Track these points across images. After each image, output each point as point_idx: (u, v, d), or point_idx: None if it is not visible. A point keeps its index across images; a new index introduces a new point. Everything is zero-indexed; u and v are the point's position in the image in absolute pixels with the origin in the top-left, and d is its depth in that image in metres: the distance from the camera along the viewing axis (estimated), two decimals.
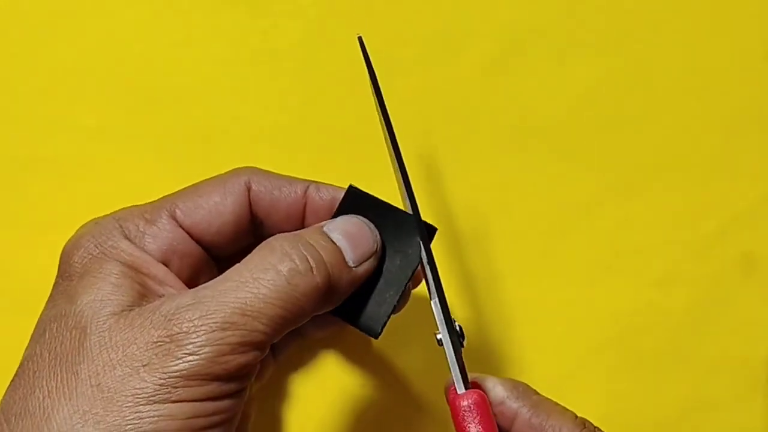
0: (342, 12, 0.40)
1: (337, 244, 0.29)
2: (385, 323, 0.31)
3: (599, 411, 0.39)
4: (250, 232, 0.32)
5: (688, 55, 0.40)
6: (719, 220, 0.40)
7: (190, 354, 0.26)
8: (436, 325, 0.31)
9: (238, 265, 0.28)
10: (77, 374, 0.26)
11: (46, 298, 0.38)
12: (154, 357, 0.26)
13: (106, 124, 0.39)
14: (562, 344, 0.39)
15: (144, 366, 0.26)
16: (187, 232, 0.31)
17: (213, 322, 0.26)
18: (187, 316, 0.26)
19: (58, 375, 0.26)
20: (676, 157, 0.40)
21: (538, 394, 0.32)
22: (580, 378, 0.39)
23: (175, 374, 0.25)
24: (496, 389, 0.31)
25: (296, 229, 0.31)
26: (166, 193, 0.39)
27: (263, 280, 0.27)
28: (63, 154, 0.39)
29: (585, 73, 0.40)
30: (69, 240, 0.30)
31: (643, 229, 0.40)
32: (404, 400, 0.39)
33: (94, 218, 0.31)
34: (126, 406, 0.25)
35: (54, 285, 0.30)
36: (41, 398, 0.26)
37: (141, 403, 0.25)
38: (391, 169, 0.39)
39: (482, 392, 0.31)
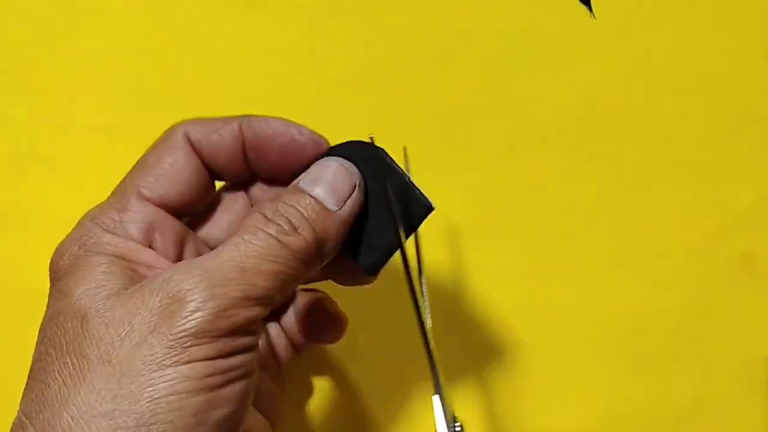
0: (342, 12, 0.40)
1: (315, 195, 0.30)
2: (383, 260, 0.31)
3: (599, 411, 0.39)
4: (207, 181, 0.32)
5: (688, 55, 0.40)
6: (719, 220, 0.40)
7: (194, 311, 0.26)
8: (435, 425, 0.31)
9: (229, 237, 0.28)
10: (87, 357, 0.26)
11: (46, 298, 0.38)
12: (159, 321, 0.26)
13: (106, 124, 0.39)
14: (562, 344, 0.39)
15: (150, 332, 0.26)
16: (158, 206, 0.31)
17: (213, 278, 0.26)
18: (185, 277, 0.26)
19: (68, 363, 0.26)
20: (676, 157, 0.40)
21: None
22: (580, 378, 0.39)
23: (182, 334, 0.26)
24: None
25: (242, 168, 0.32)
26: None
27: (254, 240, 0.28)
28: (63, 154, 0.39)
29: (585, 73, 0.40)
30: (54, 250, 0.30)
31: (643, 229, 0.40)
32: None
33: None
34: (140, 375, 0.25)
35: (48, 295, 0.30)
36: (56, 389, 0.26)
37: (153, 369, 0.25)
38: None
39: None
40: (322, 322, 0.35)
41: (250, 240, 0.28)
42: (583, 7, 0.40)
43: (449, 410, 0.31)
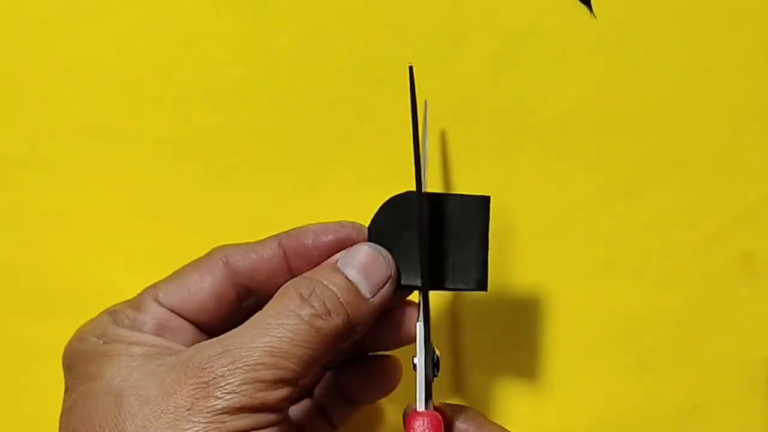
0: (342, 12, 0.40)
1: (351, 279, 0.31)
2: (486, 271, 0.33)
3: (599, 411, 0.39)
4: (235, 306, 0.33)
5: (689, 55, 0.40)
6: (719, 220, 0.40)
7: (229, 393, 0.27)
8: (416, 349, 0.32)
9: (259, 313, 0.30)
10: (124, 430, 0.27)
11: (46, 298, 0.38)
12: (196, 401, 0.27)
13: (106, 124, 0.39)
14: (562, 344, 0.39)
15: (188, 410, 0.27)
16: (172, 311, 0.32)
17: (246, 365, 0.28)
18: (220, 363, 0.28)
19: None
20: (676, 157, 0.40)
21: (484, 416, 0.34)
22: (580, 378, 0.39)
23: (220, 410, 0.27)
24: (448, 414, 0.33)
25: (284, 278, 0.33)
26: (165, 193, 0.39)
27: (287, 325, 0.29)
28: (63, 154, 0.39)
29: (585, 73, 0.40)
30: (67, 344, 0.31)
31: (643, 229, 0.40)
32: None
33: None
34: None
35: (65, 382, 0.31)
36: None
37: None
38: (391, 169, 0.39)
39: (440, 417, 0.32)
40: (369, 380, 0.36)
41: (283, 323, 0.29)
42: (583, 7, 0.40)
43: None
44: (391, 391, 0.35)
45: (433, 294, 0.33)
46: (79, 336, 0.31)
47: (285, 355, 0.28)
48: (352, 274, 0.31)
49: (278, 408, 0.28)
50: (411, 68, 0.33)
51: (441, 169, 0.40)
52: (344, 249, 0.33)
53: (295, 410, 0.36)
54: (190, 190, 0.39)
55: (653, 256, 0.40)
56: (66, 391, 0.30)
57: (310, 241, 0.33)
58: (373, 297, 0.31)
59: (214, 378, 0.27)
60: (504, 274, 0.39)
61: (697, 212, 0.40)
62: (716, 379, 0.40)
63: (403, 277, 0.33)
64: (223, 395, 0.27)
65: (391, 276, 0.32)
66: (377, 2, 0.40)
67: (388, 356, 0.35)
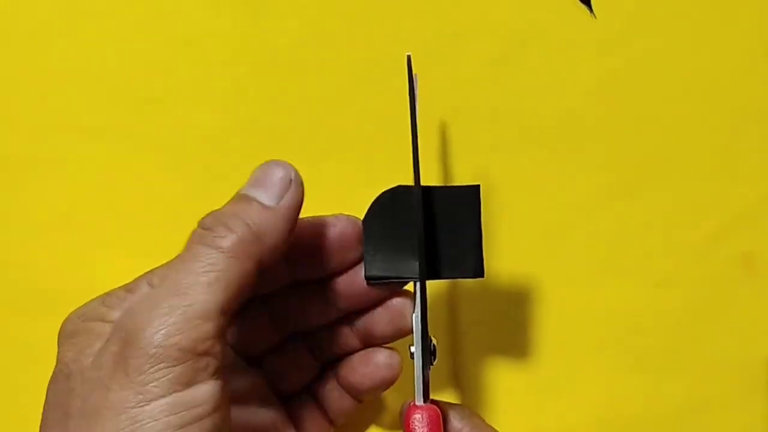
0: (342, 12, 0.40)
1: (249, 195, 0.30)
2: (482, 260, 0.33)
3: (599, 411, 0.39)
4: None
5: (688, 55, 0.40)
6: (719, 220, 0.40)
7: (143, 347, 0.26)
8: (413, 338, 0.32)
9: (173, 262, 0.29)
10: (70, 414, 0.27)
11: (46, 298, 0.38)
12: (117, 367, 0.26)
13: (106, 124, 0.39)
14: (562, 344, 0.39)
15: (111, 379, 0.26)
16: None
17: (157, 310, 0.27)
18: (136, 318, 0.27)
19: (57, 421, 0.27)
20: (676, 157, 0.40)
21: (480, 417, 0.34)
22: (580, 378, 0.39)
23: (136, 373, 0.26)
24: (445, 408, 0.33)
25: (273, 280, 0.33)
26: (165, 193, 0.39)
27: (189, 255, 0.28)
28: (63, 154, 0.39)
29: (585, 73, 0.40)
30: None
31: (643, 229, 0.40)
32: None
33: None
34: (107, 423, 0.26)
35: None
36: None
37: (119, 413, 0.26)
38: (391, 169, 0.39)
39: (438, 410, 0.32)
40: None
41: (185, 257, 0.28)
42: (583, 7, 0.40)
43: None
44: (391, 384, 0.35)
45: (431, 294, 0.33)
46: (67, 318, 0.31)
47: (193, 285, 0.27)
48: (247, 190, 0.31)
49: (200, 352, 0.27)
50: (409, 57, 0.33)
51: (440, 169, 0.40)
52: (340, 242, 0.33)
53: (293, 405, 0.36)
54: (190, 190, 0.39)
55: (653, 256, 0.40)
56: None
57: (306, 230, 0.33)
58: (279, 202, 0.30)
59: (128, 334, 0.27)
60: (504, 274, 0.39)
61: (697, 212, 0.40)
62: (716, 379, 0.39)
63: (400, 269, 0.33)
64: (138, 352, 0.26)
65: (291, 178, 0.31)
66: (377, 2, 0.40)
67: (388, 348, 0.35)
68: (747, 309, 0.40)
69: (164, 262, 0.33)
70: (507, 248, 0.39)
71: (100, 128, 0.39)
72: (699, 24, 0.40)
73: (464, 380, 0.39)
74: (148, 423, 0.26)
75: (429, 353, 0.32)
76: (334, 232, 0.33)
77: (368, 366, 0.35)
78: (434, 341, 0.33)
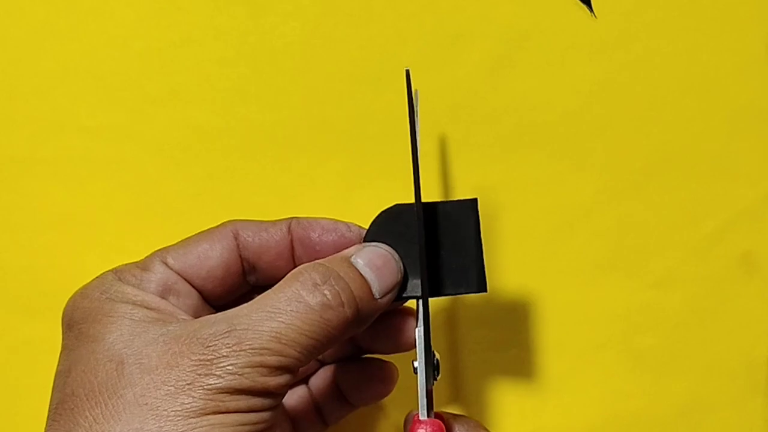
0: (342, 12, 0.40)
1: (365, 276, 0.31)
2: (485, 274, 0.33)
3: (599, 411, 0.39)
4: (241, 278, 0.33)
5: (688, 55, 0.40)
6: (719, 220, 0.40)
7: (231, 373, 0.27)
8: (416, 353, 0.32)
9: (269, 292, 0.29)
10: (123, 397, 0.27)
11: (46, 298, 0.38)
12: (196, 377, 0.27)
13: (106, 124, 0.39)
14: (562, 344, 0.39)
15: (188, 384, 0.27)
16: (179, 275, 0.32)
17: (251, 348, 0.27)
18: (225, 342, 0.27)
19: (101, 403, 0.27)
20: (676, 157, 0.40)
21: (486, 429, 0.34)
22: (580, 378, 0.39)
23: (220, 389, 0.27)
24: (450, 422, 0.33)
25: (289, 266, 0.33)
26: (165, 193, 0.39)
27: (296, 312, 0.28)
28: (63, 154, 0.39)
29: (585, 73, 0.40)
30: (69, 300, 0.31)
31: (643, 229, 0.40)
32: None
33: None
34: (177, 419, 0.26)
35: (63, 339, 0.30)
36: (88, 426, 0.27)
37: (191, 415, 0.26)
38: (391, 168, 0.39)
39: (442, 424, 0.32)
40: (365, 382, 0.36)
41: (292, 310, 0.28)
42: (583, 7, 0.40)
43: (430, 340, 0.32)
44: (385, 396, 0.35)
45: (432, 301, 0.33)
46: (82, 292, 0.31)
47: (290, 343, 0.28)
48: (366, 271, 0.31)
49: (276, 393, 0.28)
50: (408, 72, 0.33)
51: (440, 169, 0.40)
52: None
53: (289, 400, 0.36)
54: (190, 190, 0.39)
55: (653, 256, 0.40)
56: (64, 349, 0.30)
57: (316, 236, 0.33)
58: (381, 298, 0.31)
59: (217, 357, 0.27)
60: (503, 274, 0.39)
61: (697, 212, 0.40)
62: (716, 379, 0.40)
63: (402, 287, 0.32)
64: (225, 375, 0.27)
65: (399, 281, 0.32)
66: (377, 3, 0.40)
67: (386, 362, 0.35)
68: (747, 309, 0.40)
69: None
70: (507, 248, 0.39)
71: (100, 128, 0.39)
72: (699, 24, 0.40)
73: (464, 380, 0.39)
74: (217, 428, 0.27)
75: (432, 368, 0.32)
76: (342, 241, 0.33)
77: (365, 375, 0.35)
78: (437, 356, 0.33)
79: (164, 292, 0.31)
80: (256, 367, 0.27)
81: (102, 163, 0.39)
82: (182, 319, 0.30)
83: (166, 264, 0.32)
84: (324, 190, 0.39)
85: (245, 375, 0.27)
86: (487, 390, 0.39)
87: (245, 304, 0.29)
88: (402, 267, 0.32)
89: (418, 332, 0.32)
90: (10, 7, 0.39)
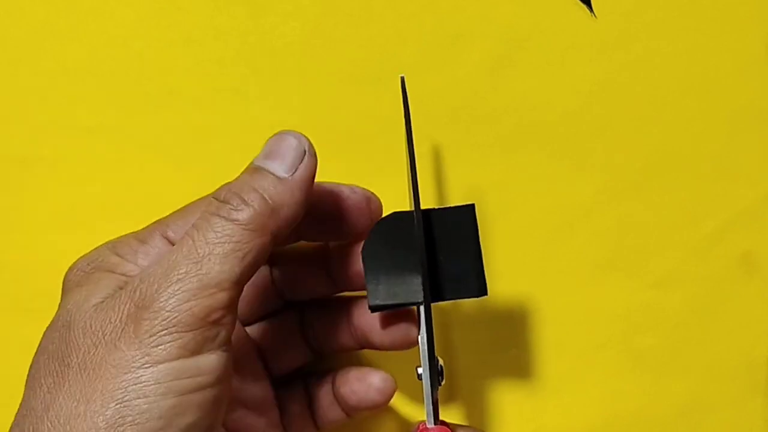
0: (342, 12, 0.40)
1: (264, 167, 0.30)
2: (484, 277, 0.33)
3: (599, 411, 0.39)
4: None
5: (688, 55, 0.40)
6: (719, 220, 0.40)
7: (155, 311, 0.26)
8: (420, 359, 0.32)
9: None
10: (68, 365, 0.27)
11: (46, 298, 0.38)
12: (126, 326, 0.26)
13: (106, 124, 0.39)
14: (562, 344, 0.39)
15: (119, 338, 0.26)
16: None
17: (172, 276, 0.27)
18: (149, 282, 0.27)
19: (52, 371, 0.27)
20: (676, 157, 0.40)
21: None
22: (580, 378, 0.39)
23: (147, 335, 0.26)
24: (455, 429, 0.33)
25: (291, 235, 0.32)
26: (165, 193, 0.39)
27: (205, 225, 0.28)
28: (63, 154, 0.39)
29: (585, 73, 0.40)
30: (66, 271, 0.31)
31: (643, 229, 0.40)
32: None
33: None
34: (112, 378, 0.26)
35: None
36: (42, 396, 0.27)
37: (123, 372, 0.26)
38: (391, 168, 0.39)
39: (448, 430, 0.32)
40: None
41: (202, 228, 0.28)
42: (583, 7, 0.40)
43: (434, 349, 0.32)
44: (380, 407, 0.35)
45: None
46: (74, 264, 0.31)
47: (209, 256, 0.27)
48: (260, 161, 0.31)
49: (208, 322, 0.27)
50: (403, 79, 0.33)
51: (440, 169, 0.40)
52: (352, 213, 0.33)
53: (285, 396, 0.36)
54: (190, 190, 0.39)
55: (653, 256, 0.40)
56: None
57: (320, 194, 0.33)
58: (293, 174, 0.30)
59: (143, 297, 0.27)
60: (503, 274, 0.39)
61: (697, 212, 0.40)
62: (716, 379, 0.40)
63: (404, 295, 0.32)
64: (150, 315, 0.26)
65: (305, 150, 0.31)
66: (377, 3, 0.40)
67: (384, 372, 0.35)
68: (747, 309, 0.40)
69: None
70: (507, 248, 0.39)
71: (100, 128, 0.39)
72: (699, 24, 0.40)
73: (464, 380, 0.39)
74: (151, 385, 0.26)
75: (437, 374, 0.32)
76: (348, 203, 0.33)
77: (362, 384, 0.35)
78: (441, 362, 0.33)
79: None
80: (179, 293, 0.26)
81: (102, 163, 0.39)
82: None
83: (166, 237, 0.31)
84: None
85: (171, 307, 0.26)
86: (487, 390, 0.39)
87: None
88: (302, 136, 0.31)
89: (421, 339, 0.32)
90: (10, 7, 0.39)
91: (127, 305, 0.27)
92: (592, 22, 0.40)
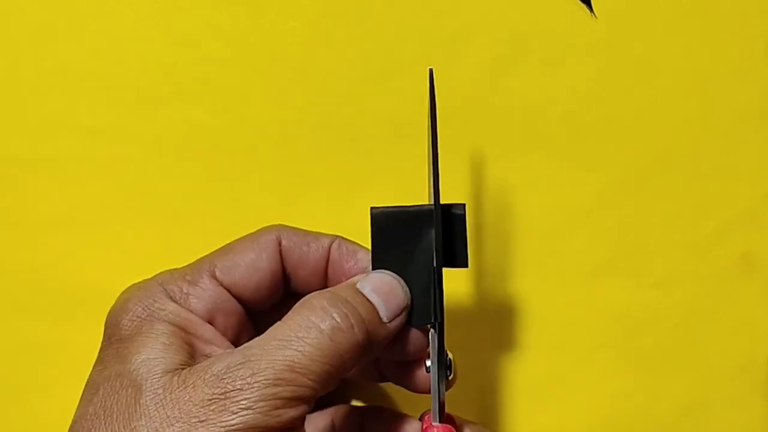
0: (342, 12, 0.40)
1: (372, 301, 0.31)
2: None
3: (599, 411, 0.39)
4: (282, 286, 0.34)
5: (688, 54, 0.40)
6: (719, 220, 0.40)
7: (245, 409, 0.27)
8: (429, 352, 0.32)
9: (279, 323, 0.29)
10: (135, 430, 0.27)
11: (46, 298, 0.39)
12: (210, 413, 0.27)
13: (106, 124, 0.39)
14: (562, 344, 0.39)
15: (201, 422, 0.27)
16: (228, 290, 0.32)
17: (264, 379, 0.27)
18: (239, 374, 0.27)
19: (116, 431, 0.27)
20: (676, 157, 0.40)
21: None
22: (580, 378, 0.39)
23: (232, 428, 0.27)
24: (464, 429, 0.33)
25: (321, 283, 0.33)
26: (165, 193, 0.39)
27: (307, 338, 0.28)
28: (63, 154, 0.39)
29: (585, 73, 0.40)
30: (114, 304, 0.31)
31: (643, 229, 0.40)
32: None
33: (136, 283, 0.32)
34: None
35: (102, 348, 0.30)
36: None
37: None
38: (392, 169, 0.39)
39: (454, 429, 0.32)
40: None
41: (303, 336, 0.28)
42: (583, 7, 0.40)
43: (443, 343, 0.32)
44: None
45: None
46: (125, 306, 0.31)
47: (304, 370, 0.28)
48: (373, 296, 0.31)
49: (292, 427, 0.28)
50: (431, 71, 0.33)
51: (440, 169, 0.40)
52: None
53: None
54: (190, 190, 0.39)
55: (653, 256, 0.40)
56: (98, 360, 0.30)
57: (348, 267, 0.33)
58: (389, 322, 0.31)
59: (231, 390, 0.27)
60: (504, 274, 0.39)
61: (697, 212, 0.40)
62: (716, 379, 0.40)
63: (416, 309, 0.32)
64: (239, 410, 0.27)
65: (406, 306, 0.32)
66: (377, 3, 0.40)
67: (412, 418, 0.35)
68: (747, 309, 0.40)
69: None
70: (507, 248, 0.39)
71: (100, 128, 0.39)
72: (699, 24, 0.40)
73: (464, 380, 0.39)
74: None
75: (445, 367, 0.32)
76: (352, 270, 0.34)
77: (389, 425, 0.35)
78: (450, 356, 0.33)
79: (211, 312, 0.31)
80: (271, 399, 0.27)
81: (102, 163, 0.39)
82: (214, 352, 0.30)
83: (214, 278, 0.32)
84: (324, 190, 0.39)
85: (259, 409, 0.27)
86: (487, 390, 0.39)
87: (259, 336, 0.29)
88: (409, 293, 0.32)
89: (431, 333, 0.32)
90: (10, 7, 0.39)
91: (212, 390, 0.27)
92: (592, 22, 0.40)
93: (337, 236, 0.34)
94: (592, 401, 0.39)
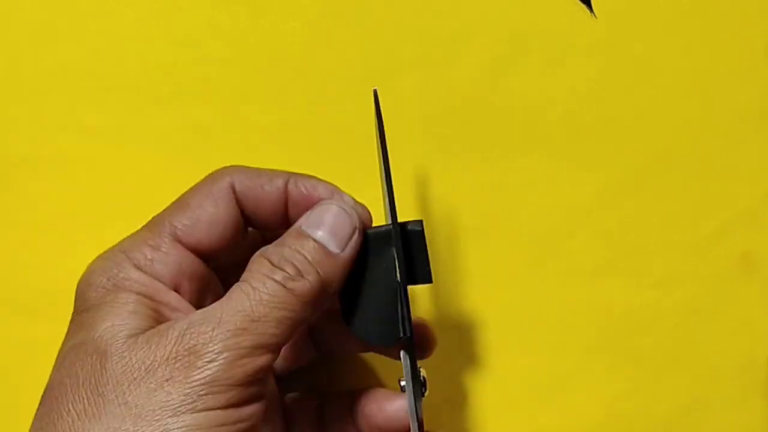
0: (342, 12, 0.40)
1: (318, 240, 0.30)
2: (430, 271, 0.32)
3: (599, 411, 0.39)
4: (242, 231, 0.33)
5: (688, 54, 0.40)
6: (719, 220, 0.40)
7: (209, 362, 0.27)
8: (402, 371, 0.32)
9: (236, 285, 0.29)
10: (103, 395, 0.27)
11: (46, 298, 0.39)
12: (175, 370, 0.27)
13: (106, 124, 0.39)
14: (562, 344, 0.39)
15: (167, 380, 0.27)
16: (191, 251, 0.32)
17: (226, 330, 0.27)
18: (201, 329, 0.28)
19: (84, 398, 0.27)
20: (676, 157, 0.40)
21: None
22: (579, 378, 0.39)
23: (198, 383, 0.27)
24: None
25: (282, 221, 0.33)
26: (165, 193, 0.39)
27: (262, 288, 0.29)
28: (63, 154, 0.39)
29: (585, 73, 0.40)
30: (81, 277, 0.31)
31: (643, 229, 0.40)
32: None
33: (101, 254, 0.32)
34: (155, 419, 0.26)
35: (71, 321, 0.30)
36: (70, 422, 0.27)
37: (168, 414, 0.26)
38: (392, 167, 0.39)
39: None
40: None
41: (258, 288, 0.29)
42: (583, 7, 0.40)
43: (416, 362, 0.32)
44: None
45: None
46: (88, 278, 0.30)
47: (264, 318, 0.28)
48: (317, 233, 0.31)
49: (256, 379, 0.28)
50: (375, 92, 0.33)
51: (440, 169, 0.40)
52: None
53: (295, 411, 0.36)
54: None
55: (653, 256, 0.40)
56: (67, 333, 0.30)
57: (314, 199, 0.32)
58: (343, 251, 0.31)
59: (194, 345, 0.27)
60: (503, 274, 0.39)
61: (697, 212, 0.40)
62: (716, 379, 0.40)
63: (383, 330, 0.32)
64: (204, 365, 0.27)
65: (356, 228, 0.31)
66: (377, 3, 0.40)
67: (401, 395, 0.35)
68: (747, 309, 0.40)
69: None
70: (506, 248, 0.39)
71: (100, 128, 0.39)
72: (699, 24, 0.40)
73: (463, 380, 0.39)
74: (195, 429, 0.26)
75: (420, 386, 0.32)
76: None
77: (391, 403, 0.34)
78: (423, 373, 0.33)
79: (177, 277, 0.31)
80: (234, 349, 0.27)
81: (102, 163, 0.39)
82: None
83: (176, 238, 0.31)
84: None
85: (223, 360, 0.27)
86: (487, 390, 0.39)
87: (218, 301, 0.29)
88: (355, 214, 0.31)
89: (402, 353, 0.32)
90: (10, 7, 0.39)
91: (176, 347, 0.27)
92: (592, 22, 0.40)
93: (291, 173, 0.33)
94: (592, 401, 0.39)
